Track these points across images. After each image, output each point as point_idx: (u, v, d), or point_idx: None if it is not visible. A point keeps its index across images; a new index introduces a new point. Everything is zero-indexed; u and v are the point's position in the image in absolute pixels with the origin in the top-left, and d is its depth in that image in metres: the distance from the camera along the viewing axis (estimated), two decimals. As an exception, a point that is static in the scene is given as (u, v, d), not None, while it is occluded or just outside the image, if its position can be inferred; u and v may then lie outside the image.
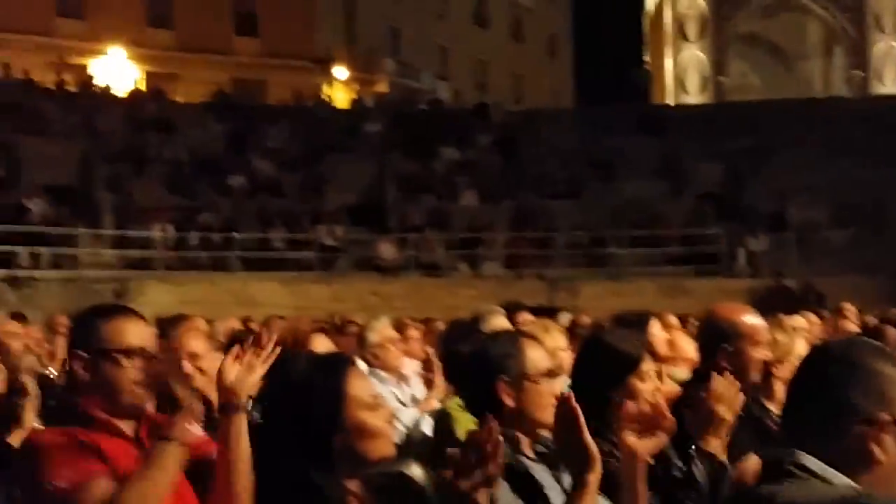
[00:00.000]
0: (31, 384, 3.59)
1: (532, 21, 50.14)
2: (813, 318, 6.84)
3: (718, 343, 3.10)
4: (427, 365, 5.10)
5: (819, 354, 1.66)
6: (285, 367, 2.11)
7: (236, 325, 8.72)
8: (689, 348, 4.38)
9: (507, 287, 17.80)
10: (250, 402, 2.30)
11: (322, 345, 4.59)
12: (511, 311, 6.48)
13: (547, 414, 2.28)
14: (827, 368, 1.57)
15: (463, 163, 23.60)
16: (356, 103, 30.54)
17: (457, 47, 45.22)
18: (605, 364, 2.73)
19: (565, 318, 7.76)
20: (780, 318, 4.10)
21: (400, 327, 6.99)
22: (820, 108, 27.83)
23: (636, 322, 4.20)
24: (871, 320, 7.75)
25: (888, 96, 36.74)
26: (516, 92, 46.67)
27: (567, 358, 3.56)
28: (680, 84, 45.16)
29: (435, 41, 44.01)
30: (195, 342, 3.10)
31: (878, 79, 43.63)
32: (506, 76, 47.26)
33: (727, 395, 2.65)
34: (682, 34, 45.36)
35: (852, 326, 7.21)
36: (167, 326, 4.96)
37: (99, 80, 28.26)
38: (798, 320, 5.48)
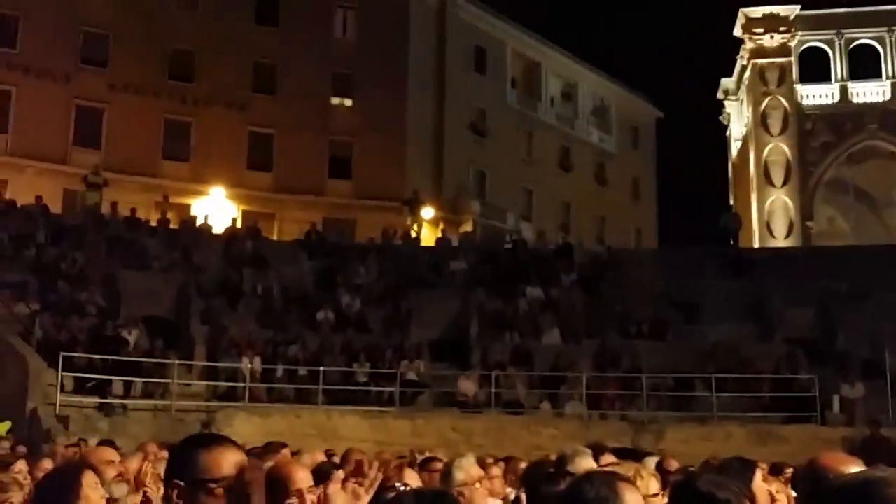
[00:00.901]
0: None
1: (615, 166, 50.94)
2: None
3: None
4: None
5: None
6: (393, 502, 2.15)
7: (321, 457, 8.80)
8: (784, 500, 4.26)
9: (590, 427, 17.49)
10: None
11: (412, 479, 4.62)
12: (595, 452, 6.40)
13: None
14: None
15: (546, 301, 23.65)
16: (442, 242, 31.15)
17: (541, 190, 46.10)
18: None
19: (652, 461, 7.59)
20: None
21: (483, 465, 6.96)
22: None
23: (739, 469, 4.05)
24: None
25: None
26: (599, 233, 47.01)
27: None
28: (766, 228, 44.82)
29: (520, 184, 45.02)
30: (305, 473, 3.19)
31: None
32: (589, 218, 47.75)
33: None
34: (767, 179, 45.35)
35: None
36: (257, 455, 5.08)
37: (199, 218, 29.58)
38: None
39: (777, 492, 4.46)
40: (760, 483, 4.23)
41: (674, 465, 7.57)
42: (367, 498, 2.37)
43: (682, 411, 19.07)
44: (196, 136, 37.57)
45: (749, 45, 46.66)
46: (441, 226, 36.20)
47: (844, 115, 44.95)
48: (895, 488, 1.58)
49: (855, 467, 3.03)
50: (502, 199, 43.14)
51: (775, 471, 6.32)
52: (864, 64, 45.81)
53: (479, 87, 43.62)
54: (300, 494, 3.02)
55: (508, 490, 6.58)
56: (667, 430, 17.78)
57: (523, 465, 7.68)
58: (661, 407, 19.32)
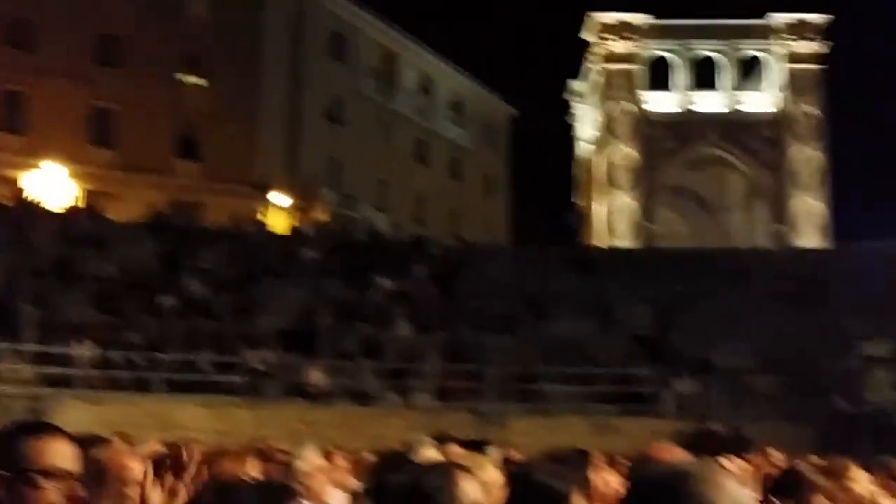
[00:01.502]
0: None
1: (470, 161, 51.67)
2: (740, 462, 6.90)
3: None
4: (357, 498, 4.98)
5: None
6: (229, 494, 2.05)
7: (158, 447, 8.42)
8: (618, 489, 4.37)
9: (437, 418, 17.59)
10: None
11: (255, 471, 4.47)
12: (440, 443, 6.41)
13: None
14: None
15: (398, 293, 23.68)
16: (294, 230, 30.67)
17: (397, 181, 46.17)
18: (533, 500, 2.67)
19: (496, 452, 7.68)
20: (712, 461, 4.12)
21: (328, 456, 6.84)
22: (745, 259, 28.90)
23: (572, 459, 4.16)
24: (797, 465, 7.82)
25: (808, 249, 38.39)
26: (453, 227, 47.56)
27: (500, 494, 3.51)
28: (610, 229, 46.59)
29: (376, 175, 44.91)
30: (139, 466, 2.97)
31: (796, 232, 45.68)
32: (443, 212, 48.20)
33: None
34: (613, 181, 47.14)
35: (776, 472, 7.27)
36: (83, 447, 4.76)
37: (35, 195, 27.93)
38: (727, 464, 5.54)
39: (613, 481, 4.58)
40: (597, 472, 4.35)
41: (517, 456, 7.70)
42: (185, 494, 2.22)
43: (527, 404, 19.53)
44: (32, 107, 35.41)
45: (600, 50, 48.29)
46: (294, 214, 35.63)
47: (687, 124, 47.26)
48: (698, 483, 1.62)
49: (683, 459, 3.12)
50: (358, 190, 42.93)
51: (613, 461, 6.50)
52: (707, 75, 48.32)
53: (337, 74, 43.19)
54: (136, 486, 2.82)
55: (355, 482, 6.50)
56: (512, 422, 18.16)
57: (370, 456, 7.61)
58: (507, 399, 19.72)
